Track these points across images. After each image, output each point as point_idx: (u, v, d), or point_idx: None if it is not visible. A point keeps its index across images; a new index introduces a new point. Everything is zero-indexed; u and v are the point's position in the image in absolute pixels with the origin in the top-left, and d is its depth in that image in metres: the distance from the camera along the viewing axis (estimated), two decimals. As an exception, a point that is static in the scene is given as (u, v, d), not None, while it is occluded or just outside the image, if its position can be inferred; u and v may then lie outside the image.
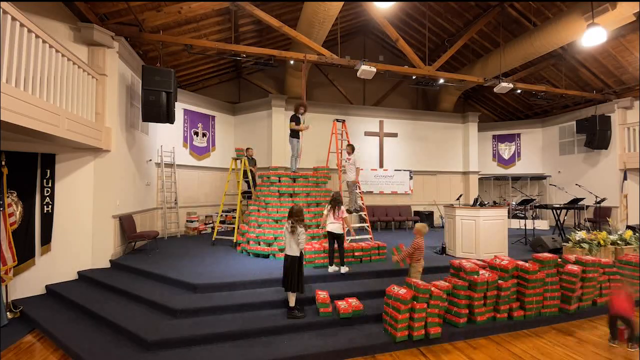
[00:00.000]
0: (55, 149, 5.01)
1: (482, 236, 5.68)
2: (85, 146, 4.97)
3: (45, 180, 4.94)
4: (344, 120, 8.02)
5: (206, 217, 8.89)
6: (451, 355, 3.40)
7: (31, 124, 3.57)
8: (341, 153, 7.64)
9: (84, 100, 4.93)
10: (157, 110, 5.77)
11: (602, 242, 5.64)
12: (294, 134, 6.97)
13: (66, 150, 5.09)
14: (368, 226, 7.00)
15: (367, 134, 10.20)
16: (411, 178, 10.48)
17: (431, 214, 10.13)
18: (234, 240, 6.61)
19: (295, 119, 6.90)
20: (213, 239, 7.06)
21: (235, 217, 7.22)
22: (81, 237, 5.26)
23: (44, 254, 4.91)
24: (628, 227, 7.04)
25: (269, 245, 5.81)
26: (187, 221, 8.48)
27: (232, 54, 6.85)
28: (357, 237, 6.04)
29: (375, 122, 10.33)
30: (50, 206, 4.98)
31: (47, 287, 4.83)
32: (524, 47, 7.41)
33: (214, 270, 4.87)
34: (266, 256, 5.74)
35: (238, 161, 7.43)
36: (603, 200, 7.91)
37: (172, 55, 7.41)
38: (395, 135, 10.49)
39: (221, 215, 7.68)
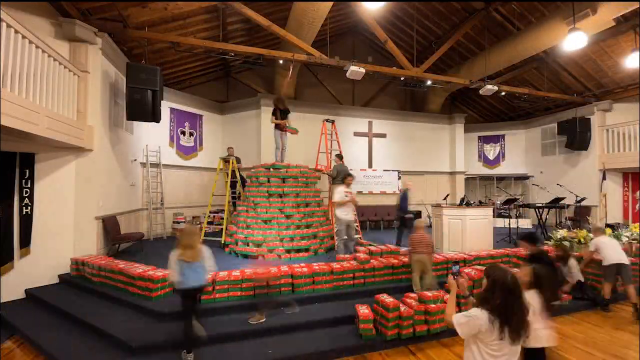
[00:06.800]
0: (35, 148, 4.83)
1: (468, 235, 5.79)
2: (66, 145, 4.81)
3: (24, 181, 4.75)
4: (333, 121, 8.03)
5: (193, 217, 8.75)
6: (439, 352, 3.45)
7: (9, 122, 3.43)
8: (330, 153, 7.64)
9: (65, 98, 4.77)
10: (142, 108, 5.63)
11: (582, 240, 5.83)
12: (277, 126, 7.18)
13: (46, 149, 4.92)
14: (357, 225, 7.04)
15: (356, 134, 10.25)
16: (399, 178, 10.58)
17: (419, 213, 10.25)
18: (222, 241, 6.53)
19: (275, 113, 7.13)
20: (200, 240, 6.94)
21: (223, 218, 7.14)
22: (62, 239, 5.09)
23: (23, 257, 4.72)
24: (607, 225, 7.30)
25: (258, 246, 5.76)
26: (173, 222, 8.33)
27: (220, 52, 6.76)
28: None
29: (364, 122, 10.39)
30: (29, 207, 4.80)
31: (26, 291, 4.66)
32: (508, 51, 7.60)
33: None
34: (255, 257, 5.69)
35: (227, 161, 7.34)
36: (583, 199, 8.17)
37: (158, 53, 7.25)
38: (384, 135, 10.58)
39: (209, 215, 7.58)
